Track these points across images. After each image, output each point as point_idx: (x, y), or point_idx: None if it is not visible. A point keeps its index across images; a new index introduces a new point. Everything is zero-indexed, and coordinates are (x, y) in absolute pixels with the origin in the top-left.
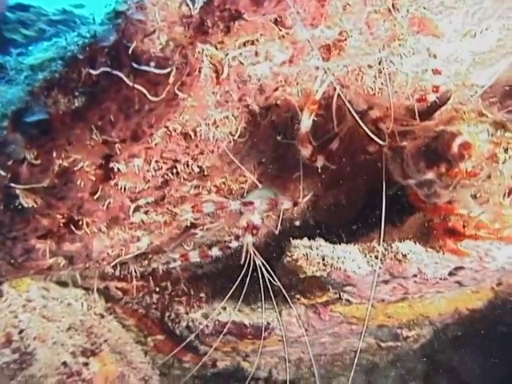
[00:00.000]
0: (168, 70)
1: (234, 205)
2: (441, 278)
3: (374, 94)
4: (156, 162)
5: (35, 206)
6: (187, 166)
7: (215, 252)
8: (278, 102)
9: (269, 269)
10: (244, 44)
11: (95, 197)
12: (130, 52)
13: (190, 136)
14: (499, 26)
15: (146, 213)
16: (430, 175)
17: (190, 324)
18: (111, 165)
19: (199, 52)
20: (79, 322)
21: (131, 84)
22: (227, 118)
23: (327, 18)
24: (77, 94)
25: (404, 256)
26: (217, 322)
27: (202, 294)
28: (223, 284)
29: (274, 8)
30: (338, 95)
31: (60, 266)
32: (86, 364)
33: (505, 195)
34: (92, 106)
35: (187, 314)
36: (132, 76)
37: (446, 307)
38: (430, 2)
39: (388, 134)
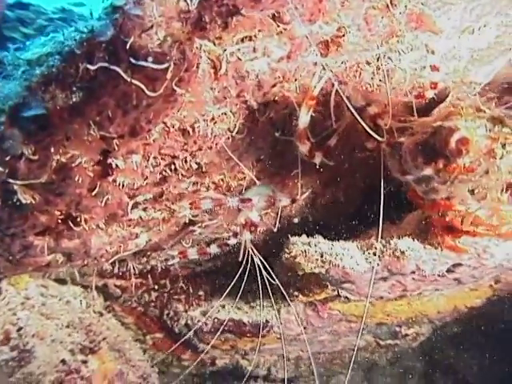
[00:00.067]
0: (166, 65)
1: (232, 202)
2: (439, 275)
3: (372, 91)
4: (154, 158)
5: (33, 202)
6: (185, 162)
7: (213, 249)
8: (276, 98)
9: (267, 266)
10: (242, 40)
11: (93, 193)
12: (127, 47)
13: (188, 132)
14: (497, 23)
15: (145, 209)
16: (427, 171)
17: (189, 322)
18: (109, 161)
19: (197, 47)
20: (78, 319)
21: (129, 79)
22: (225, 114)
23: (325, 14)
24: (74, 89)
25: (402, 253)
26: (216, 320)
27: (201, 292)
28: (222, 282)
29: (272, 3)
30: (336, 91)
31: (58, 262)
32: (84, 362)
33: (502, 190)
34: (90, 101)
35: (186, 311)
36: (130, 71)
37: (444, 305)
38: None
39: (386, 130)
